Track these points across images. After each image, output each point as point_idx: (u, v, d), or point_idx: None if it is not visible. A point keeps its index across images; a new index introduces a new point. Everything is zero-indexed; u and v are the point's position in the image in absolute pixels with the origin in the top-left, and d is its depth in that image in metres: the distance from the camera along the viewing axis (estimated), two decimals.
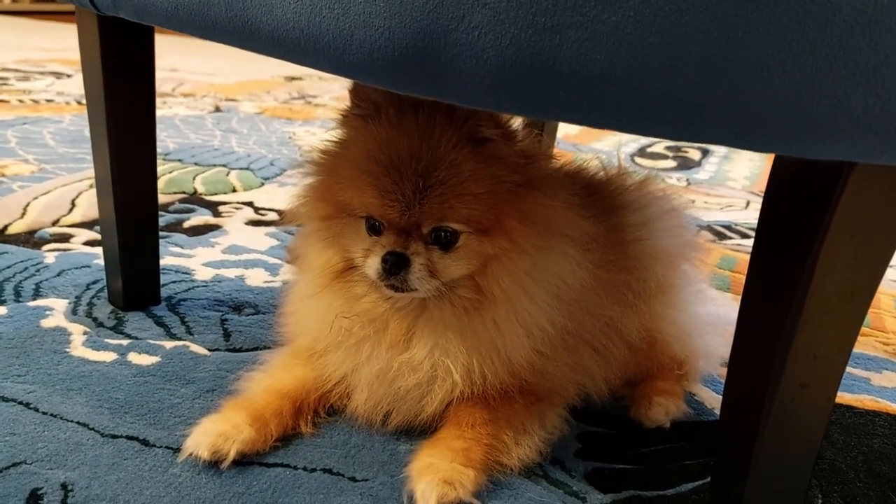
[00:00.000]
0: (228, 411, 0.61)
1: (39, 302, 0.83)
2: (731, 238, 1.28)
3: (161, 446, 0.60)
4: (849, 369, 0.84)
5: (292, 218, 0.66)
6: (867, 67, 0.35)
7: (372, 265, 0.57)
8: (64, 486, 0.55)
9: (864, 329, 0.96)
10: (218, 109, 2.09)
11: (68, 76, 2.42)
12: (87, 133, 1.60)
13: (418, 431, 0.63)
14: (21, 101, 1.95)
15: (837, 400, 0.77)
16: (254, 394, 0.63)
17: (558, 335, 0.62)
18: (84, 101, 1.75)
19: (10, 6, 5.09)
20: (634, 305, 0.68)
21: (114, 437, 0.61)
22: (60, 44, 3.25)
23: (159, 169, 1.30)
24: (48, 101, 1.98)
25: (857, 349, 0.90)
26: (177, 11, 0.53)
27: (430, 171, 0.55)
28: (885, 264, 0.45)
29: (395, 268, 0.56)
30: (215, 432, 0.58)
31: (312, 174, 0.62)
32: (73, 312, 0.81)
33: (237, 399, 0.63)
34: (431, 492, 0.54)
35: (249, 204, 1.25)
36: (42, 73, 2.43)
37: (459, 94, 0.41)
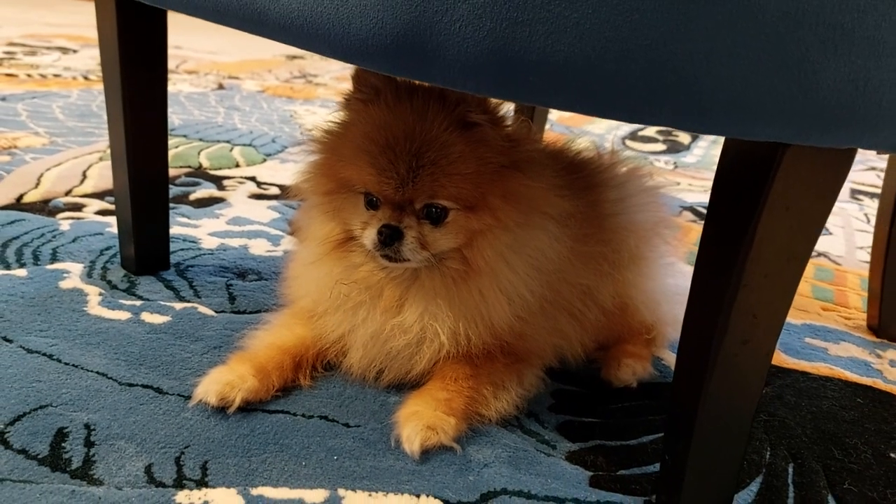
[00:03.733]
0: (234, 363, 0.67)
1: (57, 265, 0.88)
2: None
3: (174, 394, 0.66)
4: (809, 340, 0.91)
5: (297, 192, 0.71)
6: (791, 60, 0.40)
7: (369, 236, 0.63)
8: (87, 426, 0.61)
9: (828, 304, 1.02)
10: (221, 87, 2.14)
11: (74, 51, 2.47)
12: (94, 108, 1.66)
13: (408, 387, 0.69)
14: (29, 75, 2.00)
15: (794, 366, 0.83)
16: (258, 349, 0.69)
17: (537, 302, 0.68)
18: (91, 77, 1.78)
19: None
20: (609, 274, 0.74)
21: (130, 385, 0.67)
22: (66, 19, 3.28)
23: None
24: (55, 75, 2.03)
25: (820, 322, 0.96)
26: None
27: (422, 151, 0.61)
28: (817, 233, 0.51)
29: (389, 239, 0.62)
30: (223, 381, 0.64)
31: (316, 152, 0.68)
32: (88, 275, 0.87)
33: (243, 353, 0.69)
34: (416, 436, 0.60)
35: (252, 178, 1.30)
36: (49, 48, 2.47)
37: (443, 77, 0.46)
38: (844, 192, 1.75)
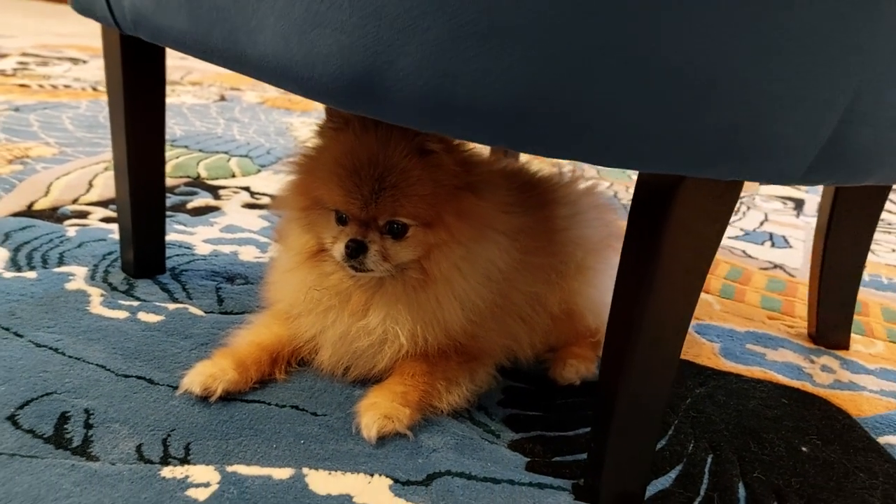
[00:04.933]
0: (217, 358, 0.75)
1: (63, 269, 0.97)
2: None
3: (164, 384, 0.75)
4: (749, 346, 0.99)
5: (277, 206, 0.80)
6: (675, 108, 0.48)
7: (338, 249, 0.71)
8: (86, 411, 0.69)
9: (774, 314, 1.10)
10: (223, 98, 2.23)
11: (84, 62, 2.57)
12: (101, 119, 1.76)
13: (371, 381, 0.77)
14: (41, 85, 2.10)
15: (731, 369, 0.91)
16: (239, 345, 0.78)
17: (488, 308, 0.76)
18: (98, 88, 1.87)
19: None
20: (556, 283, 0.83)
21: (126, 376, 0.75)
22: (76, 29, 3.39)
23: (167, 154, 1.44)
24: (66, 86, 2.13)
25: (763, 330, 1.04)
26: (183, 39, 0.67)
27: (385, 175, 0.69)
28: (713, 251, 0.59)
29: (355, 252, 0.70)
30: (206, 374, 0.73)
31: (294, 172, 0.77)
32: (91, 278, 0.96)
33: (226, 349, 0.77)
34: (373, 423, 0.69)
35: (246, 189, 1.39)
36: (60, 59, 2.57)
37: (391, 116, 0.55)
38: (811, 207, 1.82)
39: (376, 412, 0.70)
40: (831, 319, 1.00)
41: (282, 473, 0.64)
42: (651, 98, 0.48)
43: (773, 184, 0.69)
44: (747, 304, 1.12)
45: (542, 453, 0.71)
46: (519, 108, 0.49)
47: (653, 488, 0.68)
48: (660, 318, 0.60)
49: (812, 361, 0.96)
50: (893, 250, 1.49)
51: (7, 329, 0.81)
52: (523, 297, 0.80)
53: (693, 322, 1.03)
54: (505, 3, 0.46)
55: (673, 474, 0.70)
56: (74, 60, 2.57)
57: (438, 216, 0.71)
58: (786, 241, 1.47)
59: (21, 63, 2.40)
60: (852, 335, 1.04)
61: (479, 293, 0.74)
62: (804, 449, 0.76)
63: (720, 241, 0.59)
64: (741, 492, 0.69)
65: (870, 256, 1.34)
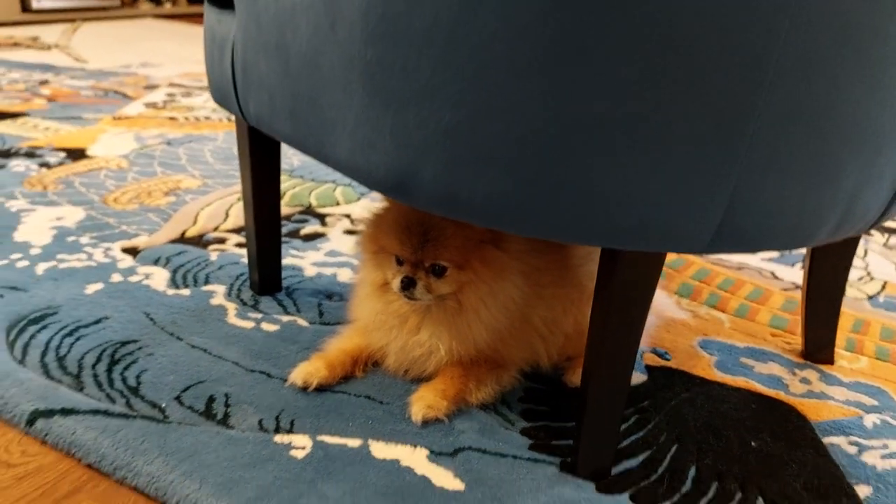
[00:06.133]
0: (314, 359, 1.05)
1: (208, 287, 1.30)
2: None
3: (277, 378, 1.05)
4: (743, 359, 1.19)
5: (358, 248, 1.09)
6: (602, 215, 0.72)
7: (395, 283, 0.99)
8: (226, 395, 1.00)
9: (778, 331, 1.29)
10: None
11: None
12: (234, 151, 2.11)
13: (423, 380, 1.05)
14: (186, 118, 2.50)
15: (719, 379, 1.12)
16: (330, 351, 1.07)
17: (508, 329, 1.02)
18: (232, 119, 2.24)
19: (171, 10, 5.82)
20: (570, 309, 1.07)
21: (252, 371, 1.06)
22: None
23: (285, 185, 1.77)
24: (206, 118, 2.52)
25: (761, 346, 1.24)
26: (288, 140, 0.96)
27: (428, 231, 0.96)
28: (649, 299, 0.82)
29: (406, 285, 0.97)
30: (306, 371, 1.02)
31: (368, 226, 1.05)
32: (228, 295, 1.28)
33: (320, 353, 1.07)
34: (420, 411, 0.96)
35: (347, 216, 1.70)
36: (200, 88, 2.99)
37: (420, 206, 0.81)
38: None
39: (423, 403, 0.97)
40: (817, 337, 1.19)
41: (353, 443, 0.92)
42: (587, 208, 0.72)
43: (685, 253, 0.90)
44: (756, 323, 1.32)
45: (544, 438, 0.96)
46: (499, 206, 0.75)
47: (622, 467, 0.92)
48: (614, 339, 0.84)
49: (794, 374, 1.15)
50: None
51: (172, 334, 1.14)
52: (541, 321, 1.05)
53: (699, 337, 1.24)
54: (486, 143, 0.72)
55: (641, 458, 0.94)
56: None
57: (468, 261, 0.97)
58: None
59: (169, 95, 2.83)
60: (843, 352, 1.22)
61: (499, 319, 1.00)
62: (753, 443, 0.97)
63: (655, 287, 0.82)
64: (691, 473, 0.91)
65: (888, 279, 1.49)
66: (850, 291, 1.46)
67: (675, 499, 0.87)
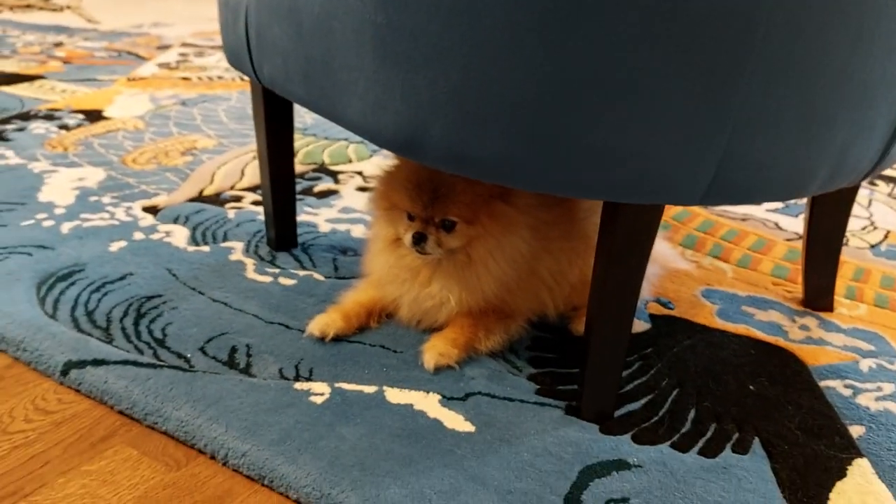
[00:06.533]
0: (331, 311, 1.10)
1: (227, 244, 1.35)
2: None
3: (295, 329, 1.10)
4: (744, 307, 1.23)
5: (369, 206, 1.13)
6: (604, 168, 0.76)
7: (407, 238, 1.02)
8: (247, 346, 1.06)
9: (779, 280, 1.33)
10: None
11: None
12: (248, 111, 2.14)
13: (435, 330, 1.09)
14: (200, 78, 2.52)
15: (720, 327, 1.16)
16: (345, 303, 1.12)
17: (516, 281, 1.06)
18: (245, 79, 2.24)
19: None
20: (575, 261, 1.11)
21: (271, 323, 1.11)
22: None
23: (298, 143, 1.81)
24: (219, 77, 2.55)
25: (762, 294, 1.27)
26: (301, 101, 0.99)
27: (439, 187, 1.00)
28: (648, 249, 0.86)
29: (418, 240, 1.01)
30: (323, 322, 1.07)
31: (380, 184, 1.08)
32: (246, 251, 1.33)
33: (336, 305, 1.12)
34: (432, 359, 1.01)
35: (360, 173, 1.73)
36: (212, 48, 3.01)
37: (429, 163, 0.85)
38: None
39: (434, 351, 1.02)
40: (817, 285, 1.22)
41: (369, 389, 0.98)
42: (587, 163, 0.76)
43: (680, 205, 0.93)
44: (758, 272, 1.35)
45: (549, 383, 1.01)
46: (504, 163, 0.78)
47: (624, 410, 0.96)
48: (615, 288, 0.88)
49: (793, 321, 1.19)
50: None
51: (194, 289, 1.19)
52: (547, 272, 1.09)
53: (702, 287, 1.28)
54: (491, 103, 0.75)
55: (643, 401, 0.98)
56: None
57: (477, 216, 1.01)
58: None
59: (182, 55, 2.85)
60: (842, 299, 1.26)
61: (507, 272, 1.04)
62: (751, 387, 1.02)
63: (654, 237, 0.86)
64: (691, 415, 0.96)
65: (891, 228, 1.52)
66: (853, 241, 1.49)
67: (674, 438, 0.92)
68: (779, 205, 1.68)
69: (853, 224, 1.55)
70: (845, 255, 1.40)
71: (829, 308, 1.23)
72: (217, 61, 2.78)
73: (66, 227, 1.39)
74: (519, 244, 1.04)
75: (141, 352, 1.03)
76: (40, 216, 1.43)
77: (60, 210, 1.47)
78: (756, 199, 0.82)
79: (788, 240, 1.49)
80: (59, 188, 1.58)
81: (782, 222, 1.58)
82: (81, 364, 0.99)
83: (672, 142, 0.72)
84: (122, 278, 1.22)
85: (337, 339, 1.07)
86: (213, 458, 0.87)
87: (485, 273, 1.04)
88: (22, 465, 0.86)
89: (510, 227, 1.03)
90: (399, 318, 1.12)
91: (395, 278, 1.09)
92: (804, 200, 1.26)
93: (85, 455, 0.88)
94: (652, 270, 1.19)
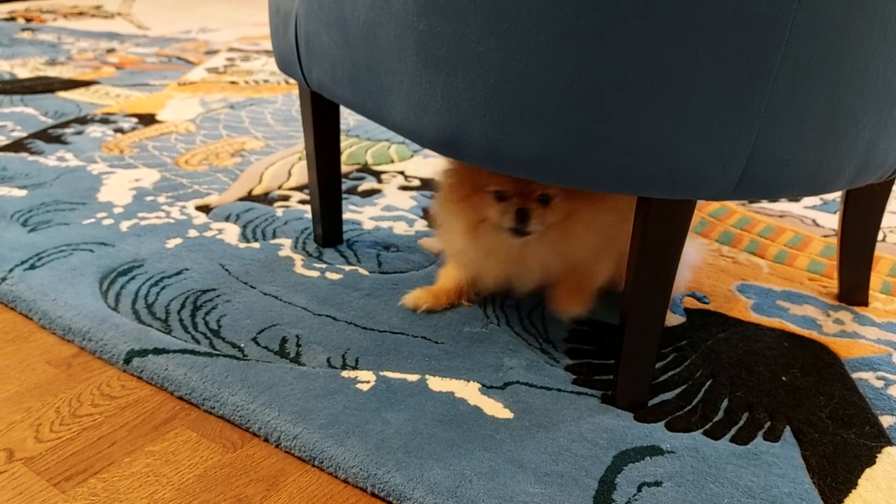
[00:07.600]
0: (422, 290, 1.18)
1: (276, 241, 1.41)
2: None
3: (342, 321, 1.15)
4: (779, 302, 1.25)
5: (439, 188, 1.17)
6: (637, 164, 0.79)
7: (507, 218, 1.04)
8: (297, 336, 1.11)
9: (815, 276, 1.34)
10: None
11: None
12: (294, 112, 2.22)
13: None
14: (246, 82, 2.60)
15: (755, 320, 1.18)
16: (436, 284, 1.20)
17: (600, 251, 1.11)
18: (290, 82, 2.33)
19: None
20: None
21: (319, 315, 1.17)
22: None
23: (342, 144, 1.86)
24: (265, 81, 2.62)
25: (798, 289, 1.29)
26: (348, 104, 1.05)
27: None
28: (681, 241, 0.89)
29: (522, 217, 1.03)
30: (415, 297, 1.16)
31: (451, 177, 1.12)
32: (294, 247, 1.39)
33: (429, 286, 1.20)
34: (568, 309, 1.10)
35: (401, 173, 1.79)
36: (258, 52, 3.10)
37: (469, 161, 0.90)
38: None
39: (566, 304, 1.10)
40: (851, 280, 1.23)
41: (412, 377, 1.02)
42: (620, 161, 0.79)
43: (711, 200, 0.95)
44: (794, 268, 1.37)
45: (586, 373, 1.05)
46: (541, 160, 0.83)
47: (658, 399, 1.00)
48: (649, 280, 0.91)
49: (828, 315, 1.21)
50: None
51: (246, 283, 1.26)
52: (623, 244, 1.12)
53: (737, 282, 1.30)
54: (528, 103, 0.79)
55: (677, 391, 1.01)
56: (269, 52, 3.08)
57: (568, 196, 1.05)
58: None
59: (229, 59, 2.94)
60: (878, 294, 1.27)
61: (594, 243, 1.10)
62: (784, 378, 1.04)
63: (686, 231, 0.89)
64: (723, 404, 0.99)
65: None
66: (891, 236, 1.49)
67: (707, 427, 0.95)
68: (816, 201, 1.69)
69: (891, 220, 1.56)
70: (882, 250, 1.41)
71: (864, 303, 1.24)
72: (262, 65, 2.86)
73: (124, 226, 1.47)
74: (603, 221, 1.08)
75: (198, 342, 1.09)
76: (100, 215, 1.51)
77: (119, 209, 1.55)
78: (784, 194, 0.84)
79: (825, 236, 1.50)
80: (117, 188, 1.66)
81: (820, 219, 1.59)
82: (143, 353, 1.06)
83: (703, 138, 0.76)
84: (178, 273, 1.28)
85: (385, 329, 1.13)
86: (266, 440, 0.93)
87: (576, 246, 1.09)
88: (91, 445, 0.93)
89: (595, 206, 1.06)
90: (483, 292, 1.21)
91: (477, 260, 1.14)
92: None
93: (148, 437, 0.94)
94: (684, 274, 1.21)
